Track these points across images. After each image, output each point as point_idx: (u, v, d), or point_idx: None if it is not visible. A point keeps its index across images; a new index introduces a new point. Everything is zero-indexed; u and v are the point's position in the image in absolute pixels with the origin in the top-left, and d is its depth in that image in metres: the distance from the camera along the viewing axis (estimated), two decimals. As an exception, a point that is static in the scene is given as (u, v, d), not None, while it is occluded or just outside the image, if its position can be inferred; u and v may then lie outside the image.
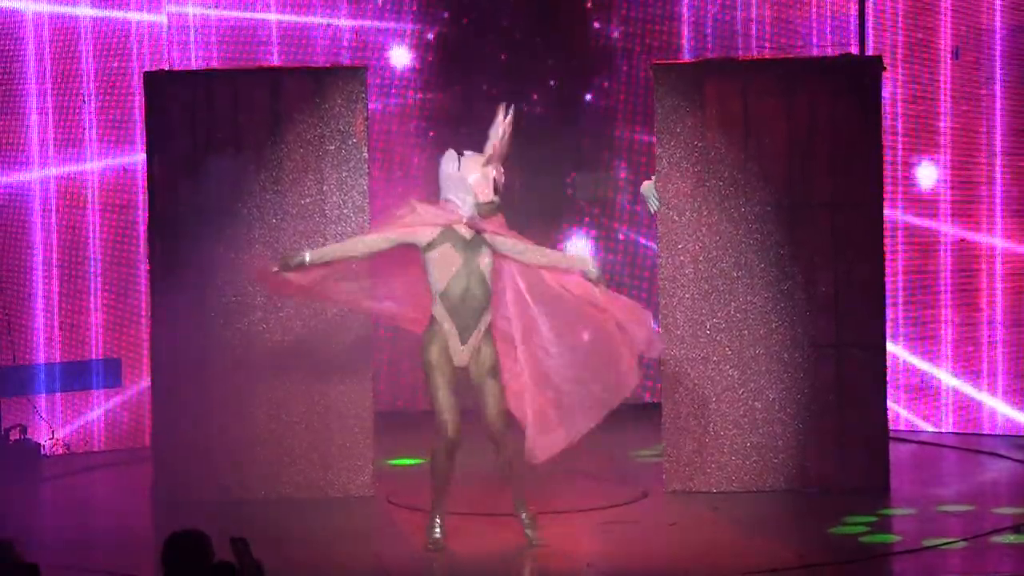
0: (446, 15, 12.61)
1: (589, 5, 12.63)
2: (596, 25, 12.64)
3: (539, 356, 8.40)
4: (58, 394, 11.27)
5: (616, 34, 12.57)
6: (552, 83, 12.64)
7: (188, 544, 5.57)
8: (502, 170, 8.37)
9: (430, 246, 8.23)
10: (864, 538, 8.39)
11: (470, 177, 8.28)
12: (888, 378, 9.72)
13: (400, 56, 12.49)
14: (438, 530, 8.40)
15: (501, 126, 8.30)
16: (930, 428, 11.34)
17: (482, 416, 8.34)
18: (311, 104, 9.64)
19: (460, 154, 8.37)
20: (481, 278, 8.26)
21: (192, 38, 11.72)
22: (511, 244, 8.33)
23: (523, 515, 8.46)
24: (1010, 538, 8.23)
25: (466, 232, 8.26)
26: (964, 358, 11.24)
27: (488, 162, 8.30)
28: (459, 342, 8.27)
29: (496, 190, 8.32)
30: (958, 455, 10.68)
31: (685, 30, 12.32)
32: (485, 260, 8.28)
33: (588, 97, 12.62)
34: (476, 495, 9.43)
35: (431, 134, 12.56)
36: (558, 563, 8.18)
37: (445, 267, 8.22)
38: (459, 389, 8.35)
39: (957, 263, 11.24)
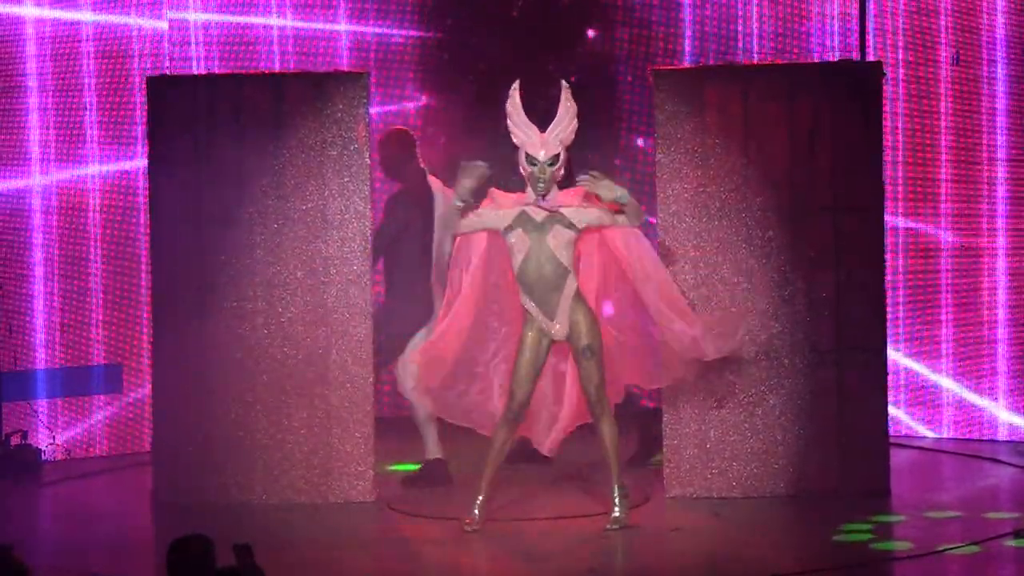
0: (448, 21, 12.62)
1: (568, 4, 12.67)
2: (596, 30, 12.64)
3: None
4: (59, 399, 11.26)
5: (616, 39, 12.57)
6: (537, 99, 12.64)
7: (193, 548, 5.57)
8: (551, 141, 8.56)
9: (507, 230, 8.57)
10: (865, 543, 8.38)
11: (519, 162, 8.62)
12: (889, 383, 9.73)
13: None
14: (476, 508, 8.70)
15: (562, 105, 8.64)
16: (931, 434, 11.34)
17: (582, 393, 8.65)
18: (313, 109, 9.64)
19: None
20: (551, 257, 8.52)
21: (193, 43, 11.73)
22: (593, 216, 8.58)
23: (614, 489, 8.66)
24: (1011, 543, 8.23)
25: (536, 214, 8.54)
26: (965, 363, 11.23)
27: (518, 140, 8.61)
28: (548, 320, 8.55)
29: (532, 162, 8.52)
30: (958, 461, 10.68)
31: (686, 35, 12.32)
32: (559, 239, 8.53)
33: (588, 102, 12.60)
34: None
35: (422, 143, 12.58)
36: (559, 568, 8.18)
37: (518, 251, 8.54)
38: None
39: (958, 269, 11.24)
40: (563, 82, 8.67)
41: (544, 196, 8.55)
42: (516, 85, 8.64)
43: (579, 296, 8.59)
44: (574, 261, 8.60)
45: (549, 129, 8.59)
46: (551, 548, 8.43)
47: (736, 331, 8.82)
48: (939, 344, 11.29)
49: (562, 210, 8.56)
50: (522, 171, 8.60)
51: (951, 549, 8.18)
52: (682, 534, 8.70)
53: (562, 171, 8.60)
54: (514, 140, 8.62)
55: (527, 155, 8.54)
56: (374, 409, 9.70)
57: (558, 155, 8.54)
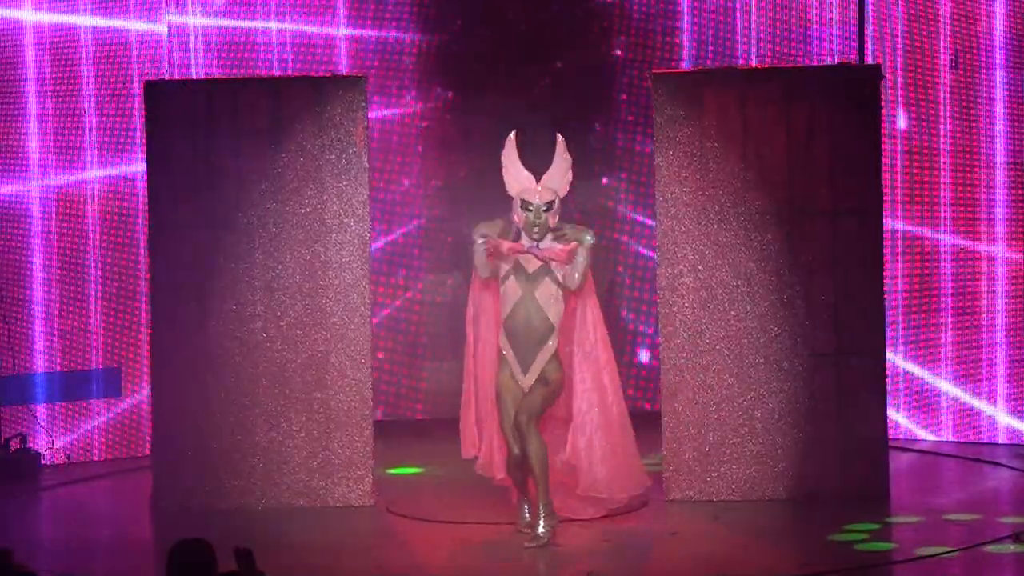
0: (451, 24, 12.63)
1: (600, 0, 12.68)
2: (597, 34, 12.65)
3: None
4: (58, 403, 11.26)
5: (616, 43, 12.58)
6: (546, 86, 12.66)
7: (193, 552, 5.57)
8: (543, 193, 8.54)
9: (504, 278, 8.58)
10: (864, 546, 8.38)
11: (512, 210, 8.63)
12: (888, 386, 9.73)
13: None
14: (527, 515, 8.70)
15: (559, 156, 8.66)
16: (930, 437, 11.33)
17: (516, 409, 8.56)
18: (311, 113, 9.65)
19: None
20: (539, 310, 8.54)
21: (192, 47, 11.73)
22: (561, 274, 8.58)
23: (540, 507, 8.53)
24: (1010, 547, 8.23)
25: (528, 264, 8.55)
26: (964, 367, 11.24)
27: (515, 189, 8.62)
28: (521, 370, 8.54)
29: (527, 208, 8.50)
30: (958, 464, 10.68)
31: (685, 40, 12.33)
32: (548, 291, 8.54)
33: (588, 107, 12.62)
34: (478, 505, 9.44)
35: (425, 144, 12.60)
36: (559, 572, 8.19)
37: (510, 299, 8.55)
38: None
39: (957, 271, 11.24)
40: (559, 135, 8.66)
41: (538, 243, 8.53)
42: (512, 135, 8.64)
43: (556, 355, 8.57)
44: (563, 317, 8.61)
45: (544, 177, 8.58)
46: (550, 551, 8.43)
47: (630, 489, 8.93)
48: (938, 347, 11.29)
49: (552, 265, 8.53)
50: (516, 219, 8.57)
51: (950, 552, 8.19)
52: (681, 538, 8.70)
53: (556, 218, 8.57)
54: (508, 191, 8.61)
55: (522, 201, 8.52)
56: (373, 413, 9.70)
57: (553, 201, 8.53)
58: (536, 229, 8.51)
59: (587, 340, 8.75)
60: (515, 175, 8.60)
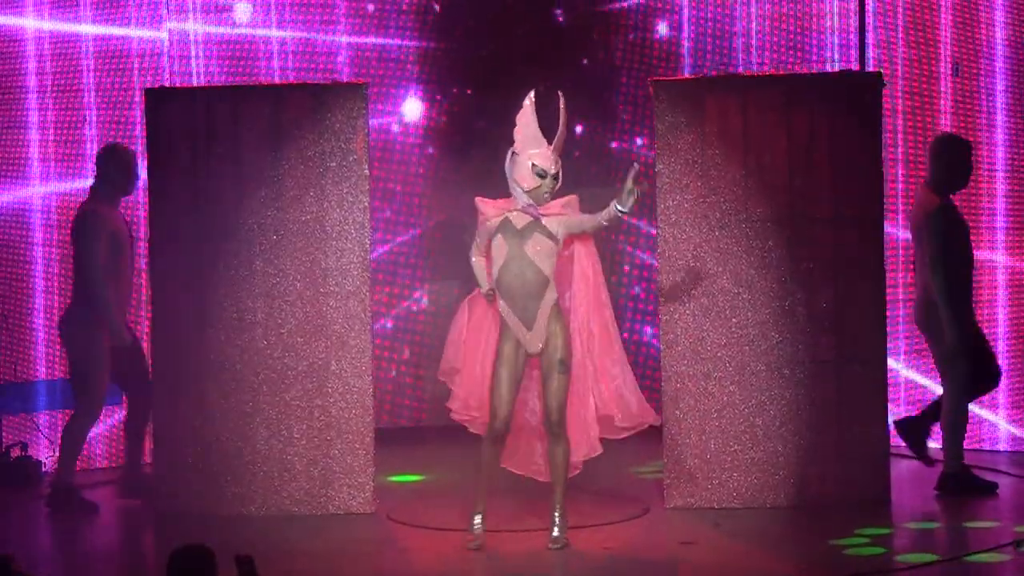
0: (447, 32, 12.63)
1: (561, 20, 12.67)
2: (596, 41, 12.66)
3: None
4: (59, 411, 11.25)
5: (616, 50, 12.58)
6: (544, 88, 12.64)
7: (194, 559, 5.57)
8: (554, 156, 8.54)
9: (492, 236, 8.57)
10: (864, 551, 8.38)
11: (515, 169, 8.54)
12: (889, 394, 9.72)
13: (413, 110, 12.57)
14: (478, 524, 8.67)
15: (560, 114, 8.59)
16: (931, 444, 11.31)
17: (544, 407, 8.57)
18: (312, 120, 9.65)
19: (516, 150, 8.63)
20: (531, 264, 8.49)
21: (193, 54, 11.73)
22: (572, 222, 8.55)
23: (555, 515, 8.58)
24: (1010, 556, 8.23)
25: (518, 220, 8.52)
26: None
27: (527, 151, 8.54)
28: (525, 329, 8.49)
29: (541, 175, 8.48)
30: (959, 471, 10.67)
31: (685, 45, 12.33)
32: (539, 246, 8.49)
33: (588, 113, 12.61)
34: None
35: (428, 151, 12.60)
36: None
37: (498, 257, 8.53)
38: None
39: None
40: (559, 95, 8.62)
41: (525, 205, 8.54)
42: (531, 95, 8.62)
43: (557, 308, 8.57)
44: (555, 275, 8.60)
45: (554, 143, 8.57)
46: (550, 559, 8.42)
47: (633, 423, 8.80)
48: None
49: (543, 220, 8.54)
50: (522, 182, 8.51)
51: (950, 559, 8.18)
52: (682, 545, 8.68)
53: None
54: (518, 148, 8.55)
55: (536, 166, 8.50)
56: (374, 420, 9.70)
57: (559, 170, 8.56)
58: (547, 196, 8.53)
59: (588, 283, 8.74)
60: (531, 137, 8.54)
